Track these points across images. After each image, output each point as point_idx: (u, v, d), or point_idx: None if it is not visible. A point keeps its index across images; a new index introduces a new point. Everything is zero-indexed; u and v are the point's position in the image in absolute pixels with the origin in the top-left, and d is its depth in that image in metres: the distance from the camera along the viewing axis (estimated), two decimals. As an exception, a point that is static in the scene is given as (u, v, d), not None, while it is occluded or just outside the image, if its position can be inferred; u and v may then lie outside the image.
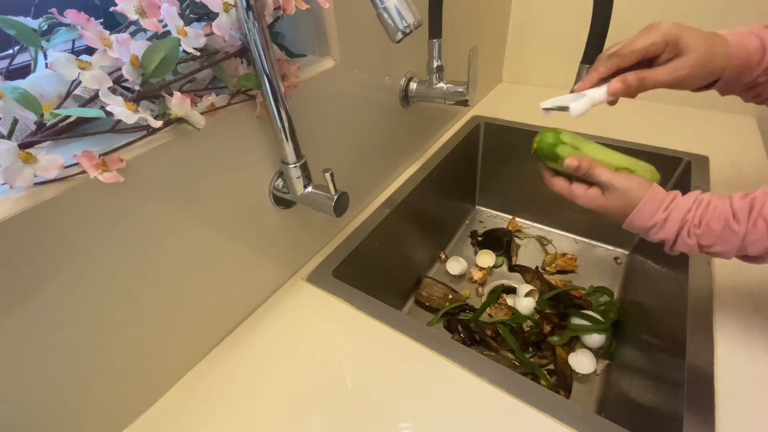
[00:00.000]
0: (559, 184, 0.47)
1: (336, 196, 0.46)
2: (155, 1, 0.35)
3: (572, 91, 0.46)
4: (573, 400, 0.65)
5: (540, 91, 1.09)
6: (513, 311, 0.77)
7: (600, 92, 0.43)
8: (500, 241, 0.93)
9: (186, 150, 0.40)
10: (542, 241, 0.95)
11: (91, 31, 0.32)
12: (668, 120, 0.89)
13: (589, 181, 0.45)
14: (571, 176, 0.47)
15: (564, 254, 0.90)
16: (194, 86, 0.43)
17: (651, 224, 0.41)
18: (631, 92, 0.42)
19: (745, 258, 0.39)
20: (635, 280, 0.78)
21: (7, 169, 0.28)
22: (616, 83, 0.42)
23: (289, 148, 0.45)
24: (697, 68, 0.40)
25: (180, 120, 0.37)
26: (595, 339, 0.70)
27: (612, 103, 0.44)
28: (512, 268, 0.89)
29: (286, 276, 0.59)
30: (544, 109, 0.47)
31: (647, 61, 0.43)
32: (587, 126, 0.87)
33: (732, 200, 0.39)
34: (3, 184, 0.29)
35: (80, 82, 0.32)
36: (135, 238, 0.38)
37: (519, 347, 0.70)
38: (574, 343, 0.72)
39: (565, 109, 0.45)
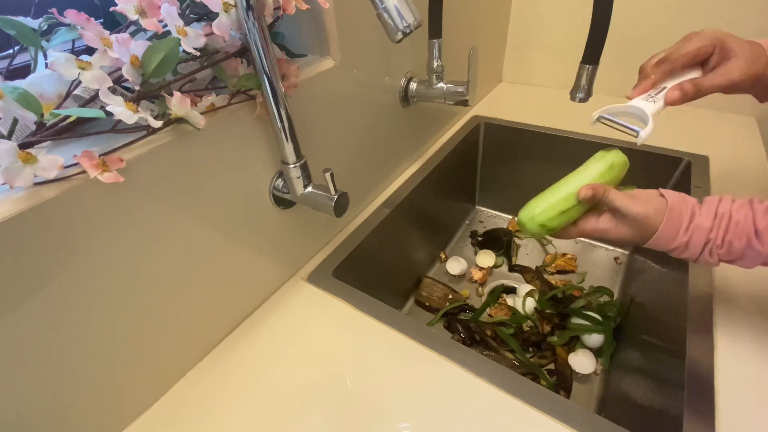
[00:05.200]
0: (570, 231, 0.46)
1: (336, 196, 0.46)
2: (155, 1, 0.35)
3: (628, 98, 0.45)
4: (573, 400, 0.65)
5: (540, 91, 1.09)
6: (513, 311, 0.77)
7: (656, 105, 0.43)
8: (500, 241, 0.93)
9: (186, 150, 0.40)
10: (542, 241, 0.95)
11: (91, 31, 0.32)
12: (668, 120, 0.88)
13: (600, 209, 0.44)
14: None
15: (564, 254, 0.90)
16: (194, 86, 0.43)
17: (673, 247, 0.40)
18: (686, 99, 0.42)
19: None
20: (635, 280, 0.78)
21: (7, 169, 0.28)
22: (673, 92, 0.43)
23: (289, 148, 0.45)
24: (748, 70, 0.41)
25: (180, 120, 0.37)
26: (595, 339, 0.70)
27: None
28: (512, 268, 0.89)
29: (286, 276, 0.59)
30: (599, 119, 0.45)
31: (695, 67, 0.43)
32: (587, 127, 0.86)
33: (755, 215, 0.36)
34: (3, 184, 0.29)
35: (80, 82, 0.32)
36: (135, 238, 0.38)
37: (519, 347, 0.70)
38: (574, 343, 0.72)
39: (626, 129, 0.43)
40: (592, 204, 0.44)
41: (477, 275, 0.87)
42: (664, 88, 0.44)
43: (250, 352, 0.50)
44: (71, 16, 0.33)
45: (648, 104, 0.43)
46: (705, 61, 0.43)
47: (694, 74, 0.44)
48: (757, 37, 0.44)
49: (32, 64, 0.37)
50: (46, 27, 0.37)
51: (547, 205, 0.45)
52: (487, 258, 0.91)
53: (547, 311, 0.76)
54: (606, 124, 0.45)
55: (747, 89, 0.44)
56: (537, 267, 0.88)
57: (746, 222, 0.36)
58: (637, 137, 0.42)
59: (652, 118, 0.42)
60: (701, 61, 0.44)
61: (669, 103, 0.43)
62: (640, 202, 0.41)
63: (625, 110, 0.44)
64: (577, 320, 0.73)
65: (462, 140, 0.91)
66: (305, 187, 0.48)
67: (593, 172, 0.45)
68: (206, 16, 0.42)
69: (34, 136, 0.33)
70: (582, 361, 0.67)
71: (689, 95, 0.42)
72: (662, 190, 0.42)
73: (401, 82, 0.70)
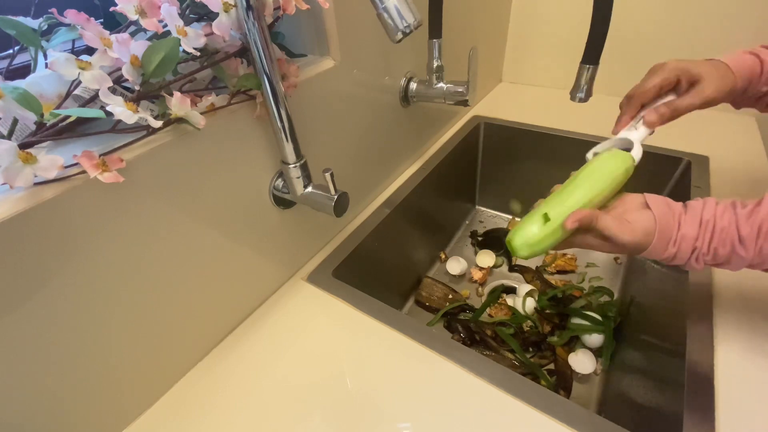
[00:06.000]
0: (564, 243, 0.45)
1: (336, 196, 0.46)
2: (155, 1, 0.35)
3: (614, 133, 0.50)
4: (573, 400, 0.65)
5: (540, 91, 1.09)
6: (513, 311, 0.77)
7: (639, 132, 0.48)
8: (500, 241, 0.93)
9: (186, 150, 0.40)
10: (542, 241, 0.94)
11: (91, 31, 0.32)
12: (668, 120, 0.89)
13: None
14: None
15: (564, 254, 0.90)
16: (194, 86, 0.43)
17: (662, 258, 0.41)
18: (664, 120, 0.47)
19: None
20: (635, 280, 0.78)
21: (7, 169, 0.28)
22: (650, 115, 0.47)
23: (289, 148, 0.45)
24: (718, 89, 0.45)
25: (180, 120, 0.37)
26: (595, 339, 0.70)
27: (651, 133, 0.48)
28: (512, 268, 0.89)
29: (286, 276, 0.59)
30: (594, 155, 0.48)
31: (669, 94, 0.48)
32: (587, 127, 0.87)
33: (738, 220, 0.37)
34: (3, 184, 0.29)
35: (80, 82, 0.32)
36: (135, 239, 0.38)
37: (519, 347, 0.70)
38: (574, 343, 0.72)
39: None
40: None
41: (477, 275, 0.87)
42: (643, 117, 0.48)
43: (250, 352, 0.50)
44: (71, 16, 0.33)
45: (632, 133, 0.48)
46: (676, 89, 0.47)
47: (669, 99, 0.48)
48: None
49: (32, 64, 0.37)
50: (46, 27, 0.37)
51: (542, 236, 0.43)
52: (487, 258, 0.91)
53: (547, 311, 0.76)
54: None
55: (722, 101, 0.47)
56: (537, 267, 0.88)
57: (730, 228, 0.37)
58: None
59: (638, 143, 0.47)
60: (668, 91, 0.47)
61: (648, 126, 0.47)
62: (630, 229, 0.40)
63: (614, 144, 0.49)
64: (577, 320, 0.73)
65: (462, 140, 0.91)
66: (305, 187, 0.48)
67: (597, 187, 0.44)
68: (206, 16, 0.42)
69: (34, 136, 0.33)
70: (582, 361, 0.67)
71: (666, 116, 0.46)
72: (648, 199, 0.42)
73: (401, 82, 0.70)
